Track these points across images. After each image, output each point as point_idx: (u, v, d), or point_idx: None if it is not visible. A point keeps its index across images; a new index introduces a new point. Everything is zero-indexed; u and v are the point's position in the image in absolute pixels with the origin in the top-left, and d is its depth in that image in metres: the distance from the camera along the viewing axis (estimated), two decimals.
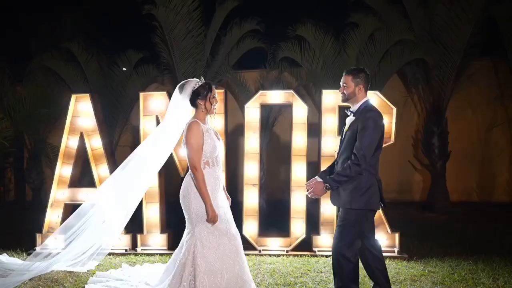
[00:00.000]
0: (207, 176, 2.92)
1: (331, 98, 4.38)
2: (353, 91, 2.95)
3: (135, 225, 4.43)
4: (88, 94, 4.54)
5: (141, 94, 4.48)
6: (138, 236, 4.47)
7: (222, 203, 3.02)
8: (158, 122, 4.40)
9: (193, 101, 3.00)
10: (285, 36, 6.89)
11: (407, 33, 6.46)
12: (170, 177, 4.94)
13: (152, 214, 4.46)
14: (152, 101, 4.47)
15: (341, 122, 6.05)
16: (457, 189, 7.53)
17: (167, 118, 3.16)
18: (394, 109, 4.31)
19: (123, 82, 7.34)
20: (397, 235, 4.37)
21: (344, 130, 3.03)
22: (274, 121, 7.27)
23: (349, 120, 3.01)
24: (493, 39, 6.92)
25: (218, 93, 3.19)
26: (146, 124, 4.46)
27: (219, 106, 4.27)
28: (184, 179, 3.02)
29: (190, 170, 2.94)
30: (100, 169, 4.48)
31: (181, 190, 3.01)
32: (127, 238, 4.47)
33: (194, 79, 3.02)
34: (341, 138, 3.09)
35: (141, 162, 3.28)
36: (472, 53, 6.74)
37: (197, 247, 2.88)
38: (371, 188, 2.87)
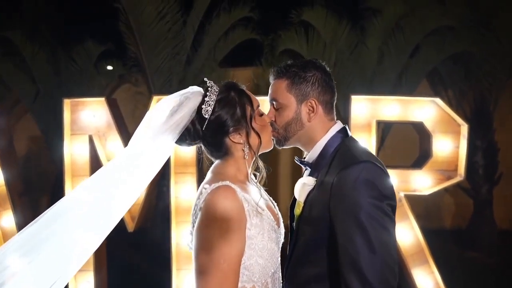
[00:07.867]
0: None
1: (363, 108, 2.80)
2: (295, 116, 1.31)
3: None
4: None
5: (66, 102, 2.84)
6: None
7: None
8: (92, 145, 2.80)
9: (219, 145, 1.31)
10: (286, 24, 5.49)
11: (447, 19, 4.98)
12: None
13: None
14: (84, 113, 2.86)
15: (381, 145, 4.59)
16: (498, 215, 6.10)
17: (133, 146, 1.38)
18: (465, 127, 2.72)
19: (83, 82, 5.90)
20: None
21: (295, 213, 1.33)
22: None
23: (303, 185, 1.31)
24: None
25: None
26: (74, 148, 2.85)
27: None
28: None
29: None
30: (2, 219, 2.86)
31: None
32: None
33: (193, 87, 1.33)
34: (290, 231, 1.39)
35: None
36: None
37: None
38: None
